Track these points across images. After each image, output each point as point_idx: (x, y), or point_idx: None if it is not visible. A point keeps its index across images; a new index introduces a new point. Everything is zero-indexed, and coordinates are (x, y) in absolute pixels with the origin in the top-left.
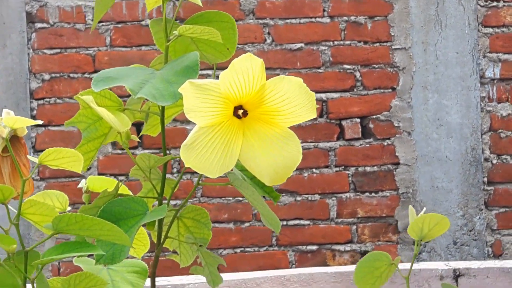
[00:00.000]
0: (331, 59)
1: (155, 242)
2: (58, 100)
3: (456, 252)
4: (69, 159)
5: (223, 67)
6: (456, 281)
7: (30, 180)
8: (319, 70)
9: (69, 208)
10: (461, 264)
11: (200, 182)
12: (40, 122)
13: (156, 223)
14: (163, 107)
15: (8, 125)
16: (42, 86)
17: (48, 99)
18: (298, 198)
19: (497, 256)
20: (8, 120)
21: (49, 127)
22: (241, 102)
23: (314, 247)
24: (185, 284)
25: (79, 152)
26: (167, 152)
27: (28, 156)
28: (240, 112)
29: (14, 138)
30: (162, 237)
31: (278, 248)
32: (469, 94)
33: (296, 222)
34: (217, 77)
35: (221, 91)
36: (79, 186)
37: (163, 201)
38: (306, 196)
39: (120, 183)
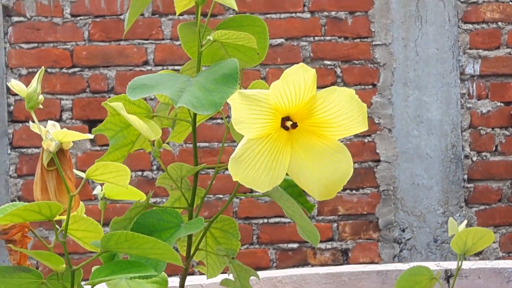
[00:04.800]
0: (311, 54)
1: (182, 253)
2: None
3: (437, 250)
4: (117, 173)
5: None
6: (448, 281)
7: (77, 196)
8: None
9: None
10: (452, 265)
11: (236, 194)
12: (91, 136)
13: None
14: (195, 115)
15: (57, 138)
16: (20, 81)
17: None
18: None
19: (476, 254)
20: (57, 134)
21: (27, 124)
22: (289, 114)
23: (295, 245)
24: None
25: (107, 160)
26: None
27: (74, 170)
28: (289, 123)
29: (59, 151)
30: (192, 248)
31: (259, 246)
32: (449, 90)
33: (277, 220)
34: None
35: (271, 102)
36: (95, 192)
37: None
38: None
39: (150, 193)
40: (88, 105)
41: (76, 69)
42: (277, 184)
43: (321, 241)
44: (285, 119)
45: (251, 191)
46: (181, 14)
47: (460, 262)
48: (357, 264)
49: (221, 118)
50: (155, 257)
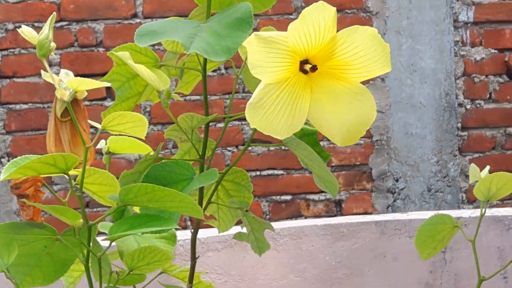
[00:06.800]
0: (303, 4)
1: None
2: (22, 51)
3: (431, 199)
4: (134, 123)
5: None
6: None
7: (92, 148)
8: (291, 16)
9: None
10: (452, 213)
11: (250, 144)
12: (107, 84)
13: None
14: (205, 62)
15: (72, 87)
16: (6, 36)
17: (12, 50)
18: (271, 148)
19: (470, 202)
20: (71, 82)
21: (14, 79)
22: (308, 56)
23: (288, 197)
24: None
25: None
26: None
27: (89, 121)
28: (308, 67)
29: (73, 101)
30: (204, 202)
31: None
32: (443, 38)
33: (270, 172)
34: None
35: (289, 44)
36: (98, 146)
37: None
38: (280, 145)
39: (160, 145)
40: (76, 59)
41: (64, 23)
42: (297, 130)
43: (314, 193)
44: (304, 62)
45: (264, 141)
46: None
47: (484, 210)
48: (351, 215)
49: (218, 69)
50: (175, 211)
